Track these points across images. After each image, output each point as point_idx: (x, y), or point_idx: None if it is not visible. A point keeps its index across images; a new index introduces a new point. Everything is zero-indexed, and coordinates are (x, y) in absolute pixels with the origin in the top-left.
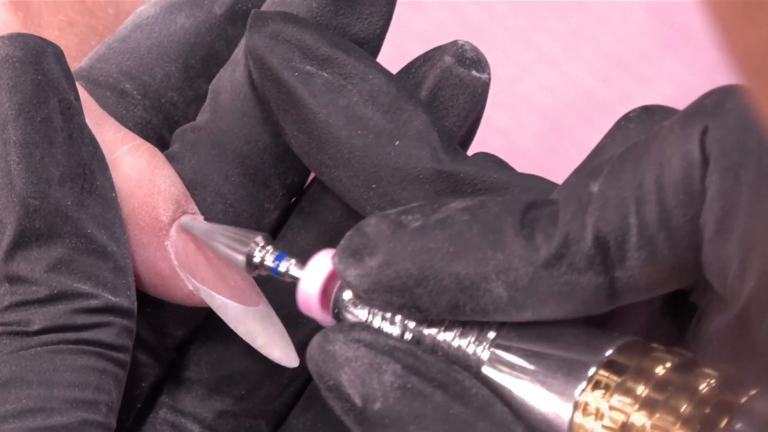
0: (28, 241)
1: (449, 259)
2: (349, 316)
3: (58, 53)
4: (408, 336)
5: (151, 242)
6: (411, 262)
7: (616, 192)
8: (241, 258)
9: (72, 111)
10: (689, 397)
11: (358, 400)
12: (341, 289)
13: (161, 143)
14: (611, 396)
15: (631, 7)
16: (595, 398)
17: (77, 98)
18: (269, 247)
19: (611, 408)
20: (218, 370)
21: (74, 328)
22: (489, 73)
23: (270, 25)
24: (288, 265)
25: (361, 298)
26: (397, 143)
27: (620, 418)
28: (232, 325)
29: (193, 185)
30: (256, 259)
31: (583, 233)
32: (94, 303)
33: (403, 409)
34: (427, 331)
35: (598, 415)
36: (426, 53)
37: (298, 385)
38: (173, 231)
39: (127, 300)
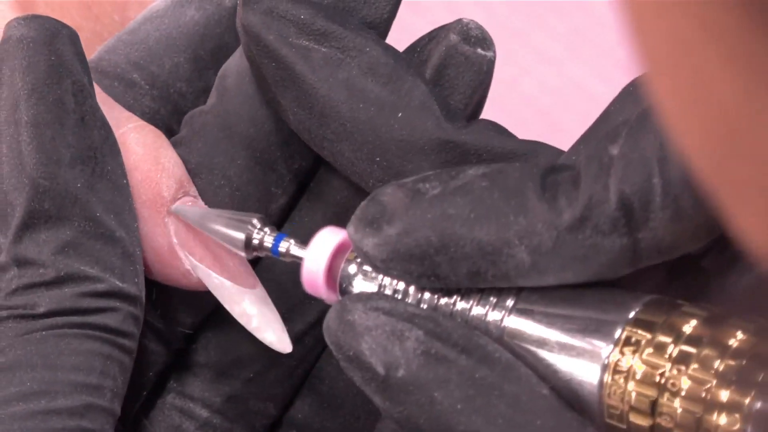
0: (37, 222)
1: (470, 225)
2: (357, 291)
3: (72, 35)
4: (422, 306)
5: (151, 216)
6: (431, 230)
7: (638, 153)
8: (240, 239)
9: (85, 93)
10: (723, 349)
11: (380, 369)
12: (347, 264)
13: (170, 133)
14: (642, 353)
15: None
16: (625, 356)
17: (91, 82)
18: (267, 228)
19: (643, 364)
20: (226, 354)
21: (80, 312)
22: (494, 51)
23: (264, 1)
24: (288, 245)
25: (377, 269)
26: (400, 114)
27: (654, 374)
28: (228, 306)
29: (200, 169)
30: (255, 241)
31: (606, 195)
32: (100, 287)
33: (428, 375)
34: (443, 301)
35: (630, 374)
36: (431, 32)
37: (306, 367)
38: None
39: (135, 287)
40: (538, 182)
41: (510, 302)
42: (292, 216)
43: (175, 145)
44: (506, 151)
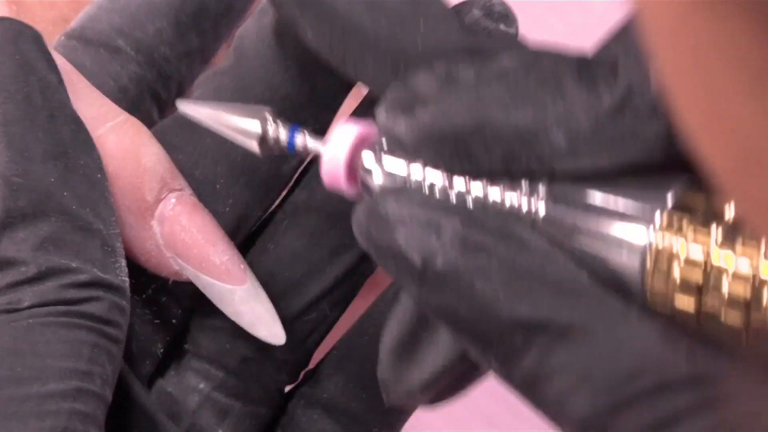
0: (14, 221)
1: (507, 109)
2: (378, 182)
3: (36, 35)
4: (454, 194)
5: (137, 221)
6: (467, 114)
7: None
8: (252, 139)
9: (52, 89)
10: None
11: (417, 260)
12: (368, 156)
13: (155, 98)
14: (685, 236)
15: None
16: (667, 240)
17: (60, 80)
18: (279, 121)
19: (686, 247)
20: None
21: (64, 302)
22: (517, 27)
23: None
24: (304, 138)
25: (406, 153)
26: (421, 26)
27: (700, 256)
28: (218, 305)
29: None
30: (270, 136)
31: (647, 83)
32: (82, 277)
33: (468, 264)
34: (474, 186)
35: (674, 257)
36: (454, 6)
37: (321, 334)
38: (160, 211)
39: (117, 278)
40: (575, 69)
41: (542, 189)
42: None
43: None
44: (533, 53)
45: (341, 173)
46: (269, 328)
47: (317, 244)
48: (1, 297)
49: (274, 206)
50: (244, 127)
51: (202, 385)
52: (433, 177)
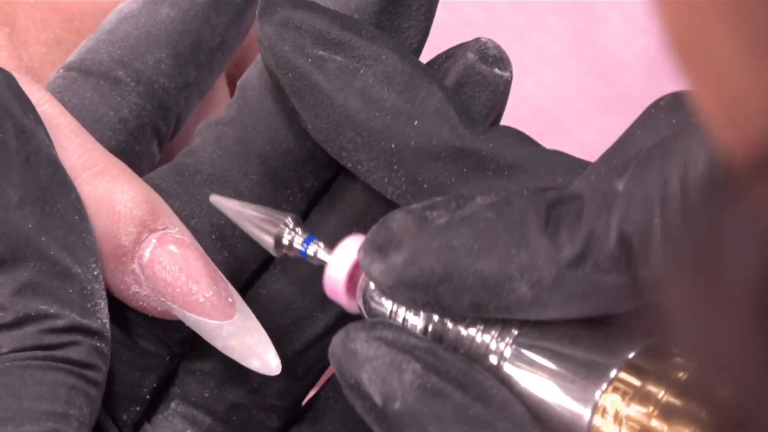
0: None
1: (474, 256)
2: (374, 305)
3: (9, 78)
4: (431, 328)
5: (117, 268)
6: (435, 259)
7: (641, 191)
8: (270, 240)
9: (27, 134)
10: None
11: (378, 399)
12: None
13: (155, 131)
14: (631, 400)
15: (631, 6)
16: (614, 402)
17: (37, 119)
18: (298, 229)
19: (630, 413)
20: (230, 362)
21: (42, 347)
22: (511, 71)
23: (279, 12)
24: (316, 248)
25: (385, 294)
26: (416, 123)
27: (639, 423)
28: (209, 341)
29: (211, 179)
30: (285, 241)
31: (607, 232)
32: (60, 323)
33: (423, 409)
34: (450, 325)
35: (618, 419)
36: (448, 50)
37: (311, 379)
38: (142, 253)
39: (96, 322)
40: (542, 214)
41: (513, 334)
42: (310, 217)
43: (189, 154)
44: (524, 158)
45: (341, 290)
46: (262, 359)
47: (307, 292)
48: None
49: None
50: (264, 228)
51: (189, 431)
52: (409, 316)
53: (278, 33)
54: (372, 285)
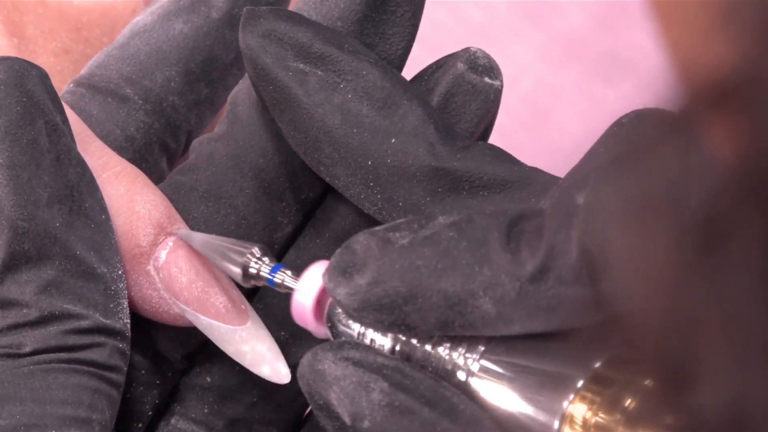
0: (18, 263)
1: (437, 276)
2: (342, 328)
3: (42, 76)
4: (399, 347)
5: (134, 268)
6: (399, 280)
7: (601, 204)
8: (238, 270)
9: (58, 133)
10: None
11: (347, 419)
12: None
13: (164, 148)
14: (598, 409)
15: (631, 6)
16: (582, 411)
17: (65, 120)
18: (265, 258)
19: (598, 421)
20: (230, 378)
21: (66, 349)
22: (501, 80)
23: (262, 23)
24: (283, 277)
25: (351, 317)
26: (393, 141)
27: (607, 430)
28: (220, 345)
29: (207, 196)
30: (252, 270)
31: (569, 246)
32: (84, 324)
33: (392, 427)
34: (418, 344)
35: (586, 428)
36: (438, 60)
37: None
38: (159, 255)
39: (119, 322)
40: (504, 231)
41: (479, 350)
42: (297, 242)
43: (184, 172)
44: (499, 178)
45: (308, 316)
46: (272, 366)
47: None
48: (3, 338)
49: None
50: (231, 259)
51: None
52: (376, 337)
53: (260, 45)
54: (338, 308)
